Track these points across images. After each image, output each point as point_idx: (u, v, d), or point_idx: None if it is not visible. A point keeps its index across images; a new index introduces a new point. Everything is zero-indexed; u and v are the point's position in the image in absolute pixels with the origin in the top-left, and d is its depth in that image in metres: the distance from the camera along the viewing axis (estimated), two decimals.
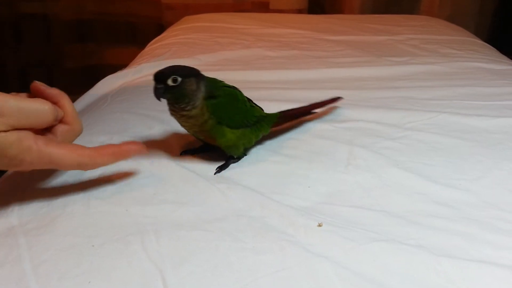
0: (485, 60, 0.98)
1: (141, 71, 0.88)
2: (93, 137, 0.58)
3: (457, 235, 0.41)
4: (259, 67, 0.92)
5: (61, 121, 0.43)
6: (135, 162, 0.52)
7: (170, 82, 0.47)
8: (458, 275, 0.36)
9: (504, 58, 1.05)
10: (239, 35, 1.18)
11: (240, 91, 0.55)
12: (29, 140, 0.39)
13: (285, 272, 0.36)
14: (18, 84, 1.81)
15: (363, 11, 1.74)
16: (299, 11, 1.77)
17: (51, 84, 0.43)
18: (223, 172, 0.51)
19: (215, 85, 0.51)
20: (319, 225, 0.41)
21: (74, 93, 0.65)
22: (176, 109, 0.49)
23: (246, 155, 0.55)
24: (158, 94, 0.47)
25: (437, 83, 0.82)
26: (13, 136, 0.38)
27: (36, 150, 0.39)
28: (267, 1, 1.78)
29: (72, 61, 1.83)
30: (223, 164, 0.52)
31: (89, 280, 0.35)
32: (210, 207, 0.44)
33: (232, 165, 0.52)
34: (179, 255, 0.38)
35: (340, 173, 0.51)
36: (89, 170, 0.46)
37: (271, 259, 0.37)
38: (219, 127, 0.51)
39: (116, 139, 0.57)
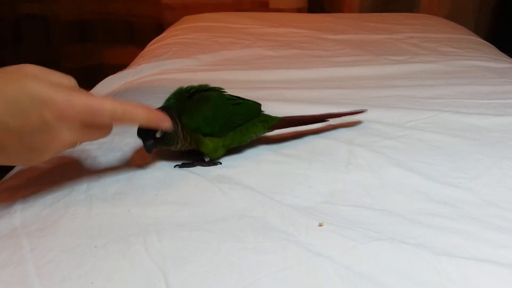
0: (484, 58, 0.98)
1: (142, 72, 0.88)
2: None
3: (457, 233, 0.41)
4: (259, 66, 0.92)
5: None
6: (136, 163, 0.53)
7: (158, 134, 0.48)
8: (458, 274, 0.36)
9: (504, 56, 1.05)
10: (239, 34, 1.18)
11: (218, 92, 0.54)
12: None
13: (286, 272, 0.36)
14: None
15: (362, 9, 1.74)
16: (299, 10, 1.77)
17: None
18: (224, 172, 0.51)
19: (183, 96, 0.52)
20: (320, 225, 0.42)
21: None
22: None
23: (220, 163, 0.53)
24: (150, 149, 0.49)
25: (436, 82, 0.82)
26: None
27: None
28: (267, 0, 1.78)
29: (71, 62, 1.83)
30: (190, 163, 0.52)
31: (92, 281, 0.35)
32: (211, 208, 0.45)
33: (233, 165, 0.53)
34: (181, 256, 0.38)
35: (341, 172, 0.51)
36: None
37: (273, 258, 0.37)
38: (203, 139, 0.51)
39: (117, 140, 0.57)
